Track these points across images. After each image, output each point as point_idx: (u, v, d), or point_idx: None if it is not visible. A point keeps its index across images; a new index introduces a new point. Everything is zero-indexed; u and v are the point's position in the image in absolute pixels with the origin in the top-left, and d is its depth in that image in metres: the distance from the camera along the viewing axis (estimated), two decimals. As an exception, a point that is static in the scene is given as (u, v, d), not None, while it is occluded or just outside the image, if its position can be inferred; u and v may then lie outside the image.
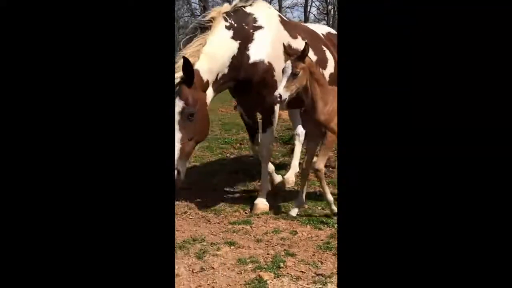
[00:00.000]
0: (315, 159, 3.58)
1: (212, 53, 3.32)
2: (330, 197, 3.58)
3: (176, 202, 4.01)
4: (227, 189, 4.62)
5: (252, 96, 3.72)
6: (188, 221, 3.64)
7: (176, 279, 2.67)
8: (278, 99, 3.05)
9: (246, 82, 3.59)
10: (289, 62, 3.17)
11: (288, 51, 3.31)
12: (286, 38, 3.83)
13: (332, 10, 46.78)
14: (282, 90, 3.10)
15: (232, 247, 3.21)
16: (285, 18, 4.20)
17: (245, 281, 2.63)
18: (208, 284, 2.60)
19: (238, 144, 6.36)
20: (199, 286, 2.57)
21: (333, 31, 4.96)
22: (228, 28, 3.43)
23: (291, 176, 4.61)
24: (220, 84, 3.52)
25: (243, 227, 3.54)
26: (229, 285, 2.61)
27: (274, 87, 3.54)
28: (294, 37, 3.99)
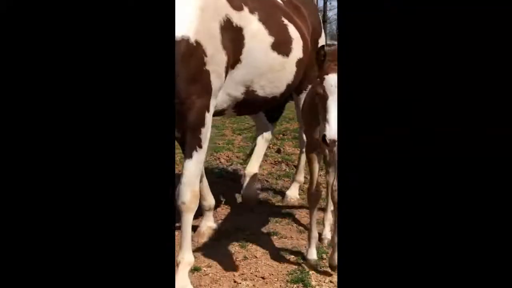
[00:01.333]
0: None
1: None
2: (316, 234, 2.74)
3: (220, 191, 4.08)
4: (270, 179, 4.66)
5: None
6: (231, 210, 3.73)
7: (221, 266, 2.78)
8: (333, 143, 1.95)
9: None
10: (335, 76, 1.99)
11: (323, 56, 2.11)
12: (224, 8, 2.61)
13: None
14: (336, 127, 1.93)
15: (275, 237, 3.26)
16: None
17: (287, 271, 2.69)
18: (251, 273, 2.67)
19: (280, 135, 6.41)
20: (242, 274, 2.65)
21: None
22: None
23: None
24: None
25: (285, 218, 3.57)
26: (272, 274, 2.67)
27: (204, 81, 2.47)
28: (237, 8, 2.70)
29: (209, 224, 3.15)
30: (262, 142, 4.01)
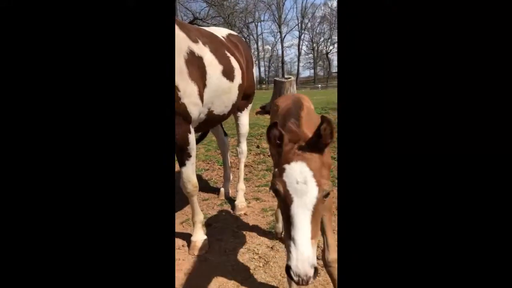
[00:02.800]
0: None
1: None
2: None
3: (220, 173, 4.77)
4: (253, 165, 5.47)
5: None
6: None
7: (224, 222, 3.47)
8: (310, 278, 1.12)
9: None
10: (302, 166, 1.21)
11: (278, 138, 1.32)
12: (184, 42, 2.64)
13: (316, 46, 58.60)
14: (311, 252, 1.14)
15: (258, 201, 4.03)
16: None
17: (266, 222, 3.48)
18: (243, 223, 3.48)
19: (259, 137, 7.42)
20: (238, 226, 3.42)
21: (233, 33, 3.82)
22: None
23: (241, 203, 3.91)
24: None
25: (264, 188, 4.45)
26: (257, 225, 3.41)
27: (183, 112, 2.59)
28: (194, 41, 2.79)
29: (200, 237, 3.08)
30: (242, 162, 4.08)
